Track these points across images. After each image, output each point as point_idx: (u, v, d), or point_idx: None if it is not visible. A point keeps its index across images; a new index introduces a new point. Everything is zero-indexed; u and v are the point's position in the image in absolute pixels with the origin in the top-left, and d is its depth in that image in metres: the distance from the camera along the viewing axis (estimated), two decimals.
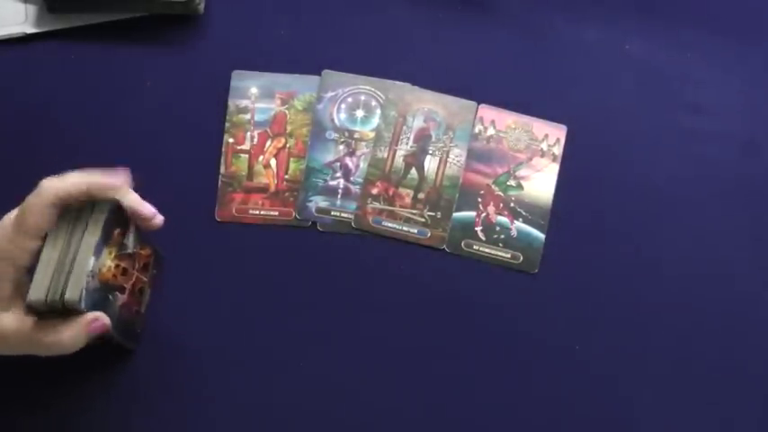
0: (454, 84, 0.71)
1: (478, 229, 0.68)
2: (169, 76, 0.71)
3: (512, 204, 0.68)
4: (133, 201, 0.54)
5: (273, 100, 0.70)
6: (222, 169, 0.68)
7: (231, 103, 0.70)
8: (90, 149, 0.68)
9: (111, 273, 0.53)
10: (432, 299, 0.65)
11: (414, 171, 0.69)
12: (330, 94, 0.71)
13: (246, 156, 0.69)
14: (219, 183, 0.68)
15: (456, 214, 0.68)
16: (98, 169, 0.52)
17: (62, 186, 0.52)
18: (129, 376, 0.62)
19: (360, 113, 0.70)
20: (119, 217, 0.53)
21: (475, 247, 0.67)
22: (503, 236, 0.68)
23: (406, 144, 0.70)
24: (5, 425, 0.60)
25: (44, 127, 0.68)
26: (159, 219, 0.55)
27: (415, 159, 0.70)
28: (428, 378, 0.63)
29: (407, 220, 0.68)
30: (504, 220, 0.68)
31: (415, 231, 0.67)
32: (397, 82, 0.71)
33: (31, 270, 0.51)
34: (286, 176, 0.68)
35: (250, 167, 0.68)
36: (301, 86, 0.71)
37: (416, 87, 0.71)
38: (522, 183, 0.69)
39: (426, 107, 0.71)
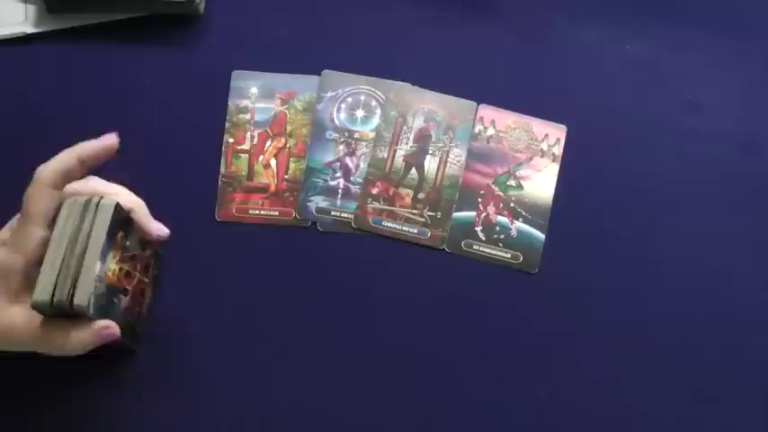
0: (454, 84, 0.71)
1: (478, 228, 0.68)
2: (169, 76, 0.71)
3: (512, 204, 0.69)
4: (142, 216, 0.55)
5: (273, 100, 0.70)
6: (222, 169, 0.68)
7: (231, 103, 0.70)
8: None
9: (116, 276, 0.53)
10: (432, 299, 0.65)
11: (414, 171, 0.69)
12: (330, 94, 0.71)
13: (246, 156, 0.69)
14: (219, 183, 0.68)
15: (456, 214, 0.68)
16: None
17: (54, 165, 0.52)
18: (131, 377, 0.62)
19: (360, 113, 0.70)
20: (120, 219, 0.53)
21: (475, 246, 0.67)
22: (503, 236, 0.68)
23: (406, 144, 0.70)
24: (7, 425, 0.60)
25: (44, 127, 0.68)
26: (165, 233, 0.56)
27: (415, 159, 0.70)
28: (428, 378, 0.63)
29: (407, 220, 0.68)
30: (504, 220, 0.68)
31: (415, 231, 0.67)
32: (397, 82, 0.71)
33: (40, 264, 0.51)
34: (286, 176, 0.68)
35: (250, 167, 0.68)
36: (301, 86, 0.71)
37: (416, 87, 0.71)
38: (522, 183, 0.69)
39: (426, 107, 0.71)
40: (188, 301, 0.64)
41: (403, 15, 0.74)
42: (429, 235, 0.67)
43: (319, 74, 0.71)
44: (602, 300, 0.66)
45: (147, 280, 0.59)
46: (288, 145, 0.69)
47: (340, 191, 0.68)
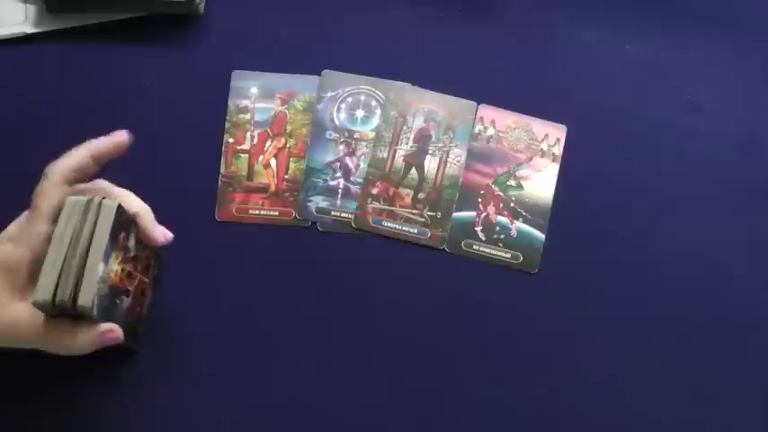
0: (454, 84, 0.71)
1: (478, 228, 0.68)
2: (169, 76, 0.71)
3: (512, 204, 0.69)
4: (147, 222, 0.55)
5: (273, 100, 0.70)
6: (222, 169, 0.68)
7: (231, 103, 0.70)
8: None
9: (118, 277, 0.53)
10: (432, 299, 0.65)
11: (414, 171, 0.69)
12: (330, 94, 0.71)
13: (246, 156, 0.69)
14: (219, 183, 0.68)
15: (456, 214, 0.68)
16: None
17: (66, 161, 0.53)
18: (131, 377, 0.62)
19: (360, 113, 0.70)
20: (122, 220, 0.53)
21: (475, 246, 0.67)
22: (503, 236, 0.68)
23: (406, 144, 0.70)
24: (7, 425, 0.60)
25: (44, 127, 0.68)
26: (169, 238, 0.57)
27: (415, 159, 0.70)
28: (428, 378, 0.63)
29: (407, 220, 0.68)
30: (504, 220, 0.68)
31: (415, 231, 0.67)
32: (397, 82, 0.71)
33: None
34: (286, 176, 0.68)
35: (250, 167, 0.68)
36: (301, 86, 0.71)
37: (416, 87, 0.71)
38: (522, 183, 0.69)
39: (426, 107, 0.71)
40: (188, 301, 0.64)
41: (403, 15, 0.74)
42: (429, 235, 0.67)
43: (319, 74, 0.71)
44: (602, 300, 0.66)
45: (147, 280, 0.59)
46: (288, 145, 0.69)
47: (340, 191, 0.68)
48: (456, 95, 0.71)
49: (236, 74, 0.70)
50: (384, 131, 0.70)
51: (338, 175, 0.69)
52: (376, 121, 0.70)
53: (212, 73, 0.71)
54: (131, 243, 0.55)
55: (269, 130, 0.70)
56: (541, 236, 0.68)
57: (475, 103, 0.71)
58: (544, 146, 0.70)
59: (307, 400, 0.62)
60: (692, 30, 0.75)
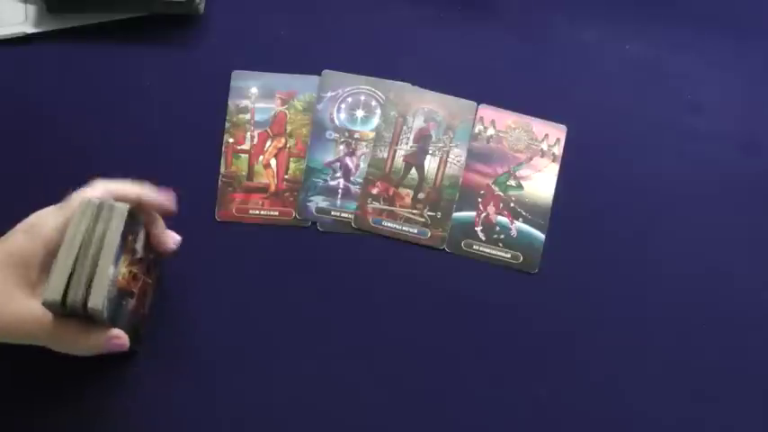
0: (454, 84, 0.71)
1: (478, 228, 0.68)
2: (169, 76, 0.71)
3: (512, 204, 0.69)
4: (158, 229, 0.56)
5: (273, 100, 0.70)
6: (222, 169, 0.68)
7: (231, 103, 0.70)
8: (90, 150, 0.68)
9: (126, 279, 0.54)
10: (432, 299, 0.65)
11: (414, 171, 0.69)
12: (330, 94, 0.71)
13: (246, 156, 0.69)
14: (219, 183, 0.68)
15: (456, 214, 0.68)
16: (148, 184, 0.55)
17: (115, 186, 0.53)
18: (131, 377, 0.62)
19: (360, 113, 0.70)
20: (131, 224, 0.53)
21: (475, 246, 0.67)
22: (503, 236, 0.68)
23: (406, 144, 0.70)
24: (7, 425, 0.60)
25: (44, 127, 0.68)
26: (178, 241, 0.58)
27: (415, 159, 0.70)
28: (428, 378, 0.63)
29: (407, 220, 0.68)
30: (504, 220, 0.68)
31: (415, 231, 0.67)
32: (397, 82, 0.71)
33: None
34: (286, 176, 0.68)
35: (250, 167, 0.68)
36: (301, 86, 0.71)
37: (416, 87, 0.71)
38: (522, 183, 0.69)
39: (426, 107, 0.71)
40: (188, 301, 0.64)
41: (403, 15, 0.74)
42: (429, 235, 0.67)
43: (319, 74, 0.71)
44: (602, 300, 0.66)
45: (149, 281, 0.59)
46: (288, 145, 0.69)
47: (340, 191, 0.68)
48: (456, 95, 0.71)
49: (236, 74, 0.70)
50: (384, 131, 0.70)
51: (338, 175, 0.69)
52: (376, 121, 0.70)
53: (212, 73, 0.70)
54: (139, 245, 0.55)
55: (269, 130, 0.70)
56: (541, 236, 0.68)
57: (475, 103, 0.71)
58: (544, 146, 0.70)
59: (307, 400, 0.62)
60: (692, 30, 0.75)
